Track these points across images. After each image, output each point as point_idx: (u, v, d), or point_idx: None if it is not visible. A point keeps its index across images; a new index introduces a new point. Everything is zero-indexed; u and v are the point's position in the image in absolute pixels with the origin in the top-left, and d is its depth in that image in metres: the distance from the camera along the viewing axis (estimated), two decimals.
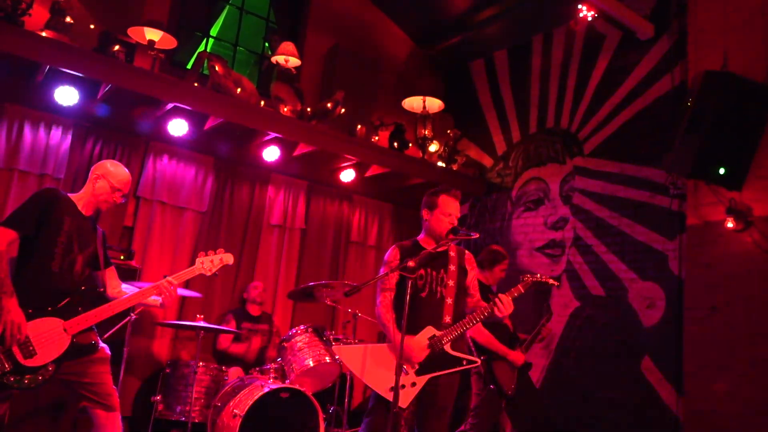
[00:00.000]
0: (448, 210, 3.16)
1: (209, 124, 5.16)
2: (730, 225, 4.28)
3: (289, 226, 6.07)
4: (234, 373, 4.73)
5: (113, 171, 3.03)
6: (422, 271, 3.08)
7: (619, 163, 5.23)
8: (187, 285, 4.50)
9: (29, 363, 2.67)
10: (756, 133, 4.20)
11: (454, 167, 6.36)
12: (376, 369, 2.98)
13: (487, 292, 3.90)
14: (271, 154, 5.50)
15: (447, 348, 2.98)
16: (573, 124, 5.73)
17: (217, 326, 4.51)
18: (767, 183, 4.21)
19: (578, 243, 5.39)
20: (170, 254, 5.37)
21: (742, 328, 4.17)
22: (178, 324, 4.49)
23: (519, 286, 3.11)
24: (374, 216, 6.71)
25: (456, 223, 3.18)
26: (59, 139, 4.86)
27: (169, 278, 3.04)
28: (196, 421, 4.28)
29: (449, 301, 3.07)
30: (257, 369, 4.57)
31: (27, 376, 2.66)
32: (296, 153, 5.66)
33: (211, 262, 3.19)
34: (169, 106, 4.82)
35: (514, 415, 4.23)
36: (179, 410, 4.29)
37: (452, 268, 3.15)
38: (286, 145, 5.55)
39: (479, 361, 2.99)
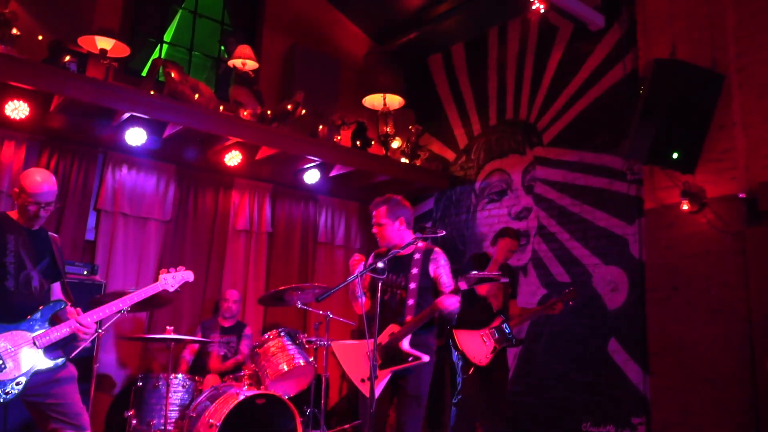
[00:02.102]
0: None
1: (168, 132, 5.09)
2: (685, 207, 4.43)
3: (255, 230, 6.04)
4: (209, 381, 4.69)
5: (23, 181, 2.91)
6: (386, 276, 3.22)
7: (578, 152, 5.35)
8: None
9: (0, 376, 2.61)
10: (706, 117, 4.35)
11: (418, 162, 6.39)
12: (354, 363, 3.22)
13: (483, 265, 4.34)
14: (233, 159, 5.45)
15: (402, 345, 3.15)
16: (531, 115, 5.82)
17: (190, 337, 4.46)
18: (718, 165, 4.36)
19: (542, 231, 5.49)
20: (135, 266, 5.30)
21: (702, 306, 4.32)
22: (147, 337, 4.43)
23: (461, 281, 3.20)
24: (341, 215, 6.72)
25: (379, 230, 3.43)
26: (12, 154, 4.73)
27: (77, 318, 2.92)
28: None
29: (411, 302, 3.24)
30: (231, 376, 4.54)
31: None
32: (258, 156, 5.63)
33: (173, 278, 3.24)
34: (126, 115, 4.74)
35: (490, 394, 4.31)
36: (153, 424, 4.22)
37: (414, 271, 3.31)
38: (247, 149, 5.51)
39: (423, 359, 3.11)
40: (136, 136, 4.88)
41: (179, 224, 5.59)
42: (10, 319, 2.73)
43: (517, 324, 4.49)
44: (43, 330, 2.78)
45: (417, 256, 3.36)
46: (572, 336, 5.09)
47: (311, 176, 5.91)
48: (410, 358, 3.13)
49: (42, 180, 2.89)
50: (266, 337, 4.48)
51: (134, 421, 4.21)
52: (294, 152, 5.55)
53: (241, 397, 4.00)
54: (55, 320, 2.86)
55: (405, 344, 3.15)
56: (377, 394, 3.11)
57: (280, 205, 6.26)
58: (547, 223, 5.47)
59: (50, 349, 2.79)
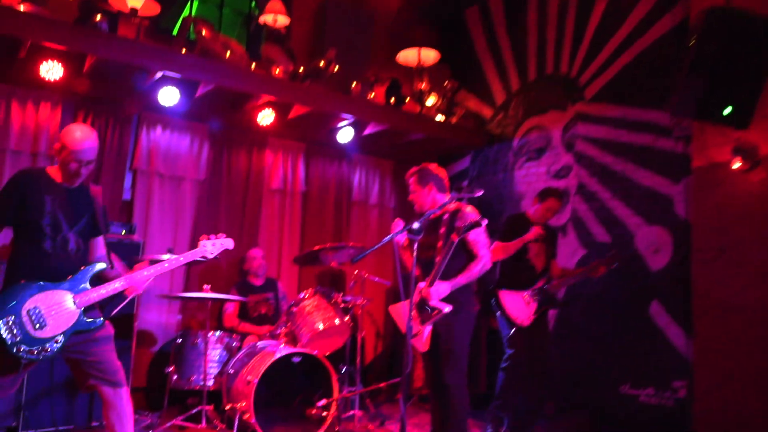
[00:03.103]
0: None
1: (200, 91, 5.07)
2: (737, 165, 4.23)
3: (290, 189, 6.07)
4: (247, 340, 4.79)
5: (65, 137, 2.87)
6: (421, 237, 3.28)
7: (622, 107, 5.15)
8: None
9: (39, 334, 2.68)
10: (762, 69, 4.10)
11: (453, 120, 6.28)
12: (404, 321, 3.35)
13: (521, 226, 4.39)
14: (266, 118, 5.42)
15: (430, 300, 3.30)
16: (573, 69, 5.62)
17: (226, 296, 4.52)
18: None
19: (583, 190, 5.36)
20: (171, 225, 5.38)
21: (750, 268, 4.18)
22: (185, 296, 4.51)
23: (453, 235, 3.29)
24: (375, 174, 6.70)
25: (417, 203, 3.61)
26: (48, 115, 4.79)
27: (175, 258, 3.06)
28: (211, 389, 4.36)
29: (438, 260, 3.35)
30: (268, 334, 4.62)
31: (36, 347, 2.67)
32: (291, 115, 5.58)
33: (213, 246, 3.25)
34: (158, 75, 4.72)
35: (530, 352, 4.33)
36: (193, 380, 4.35)
37: (442, 230, 3.47)
38: (280, 108, 5.47)
39: (443, 309, 3.24)
40: (169, 96, 4.87)
41: (213, 183, 5.63)
42: (50, 279, 2.78)
43: (559, 286, 4.47)
44: (83, 290, 2.84)
45: (446, 216, 3.51)
46: (611, 298, 5.00)
47: (345, 135, 5.86)
48: (434, 312, 3.25)
49: (83, 136, 2.86)
50: (302, 296, 4.52)
51: (175, 377, 4.34)
52: (327, 110, 5.49)
53: (278, 355, 4.06)
54: (95, 281, 2.90)
55: (433, 299, 3.27)
56: (424, 348, 3.34)
57: (314, 164, 6.26)
58: (588, 181, 5.33)
59: (89, 310, 2.85)
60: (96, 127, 4.96)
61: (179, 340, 4.49)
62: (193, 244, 5.43)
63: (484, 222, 3.25)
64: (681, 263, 4.61)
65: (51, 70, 4.44)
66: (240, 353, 4.38)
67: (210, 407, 4.30)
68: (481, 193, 3.23)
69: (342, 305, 4.63)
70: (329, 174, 6.36)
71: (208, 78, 4.84)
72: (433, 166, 3.68)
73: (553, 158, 5.67)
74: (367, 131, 5.95)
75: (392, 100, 5.99)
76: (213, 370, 4.42)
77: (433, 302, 3.27)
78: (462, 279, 3.38)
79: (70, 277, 2.82)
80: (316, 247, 4.81)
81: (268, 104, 5.38)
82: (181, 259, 3.13)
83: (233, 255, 5.61)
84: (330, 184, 6.35)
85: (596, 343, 5.06)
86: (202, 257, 3.22)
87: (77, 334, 2.80)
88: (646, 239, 4.86)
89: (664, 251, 4.74)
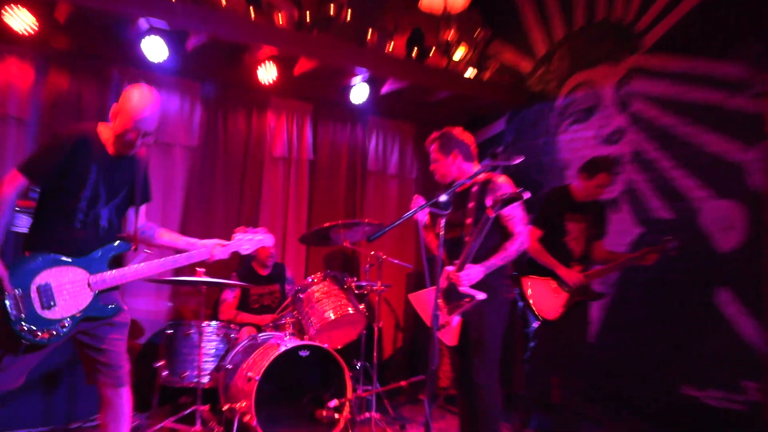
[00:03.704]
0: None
1: (192, 44, 5.04)
2: None
3: (295, 157, 6.07)
4: (246, 331, 4.82)
5: (124, 100, 2.86)
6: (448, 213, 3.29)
7: (687, 59, 5.02)
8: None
9: (47, 314, 2.70)
10: None
11: (486, 75, 6.20)
12: (429, 311, 3.30)
13: (563, 204, 4.36)
14: (268, 74, 5.38)
15: (461, 286, 3.27)
16: (628, 15, 5.49)
17: (225, 281, 4.54)
18: None
19: (638, 158, 5.28)
20: (159, 200, 5.39)
21: None
22: (177, 280, 4.53)
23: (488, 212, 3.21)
24: (394, 139, 6.68)
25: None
26: (18, 72, 4.81)
27: (218, 244, 3.16)
28: (206, 387, 4.39)
29: (467, 239, 3.32)
30: (271, 325, 4.64)
31: (40, 329, 2.68)
32: (297, 71, 5.55)
33: (248, 242, 3.29)
34: (143, 25, 4.70)
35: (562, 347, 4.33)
36: (186, 376, 4.39)
37: (471, 205, 3.43)
38: (284, 62, 5.43)
39: (477, 296, 3.22)
40: (155, 50, 4.85)
41: (208, 151, 5.66)
42: (70, 253, 2.79)
43: (603, 273, 4.42)
44: (100, 272, 2.85)
45: (475, 188, 3.46)
46: (671, 283, 4.94)
47: (359, 93, 5.81)
48: (465, 300, 3.23)
49: (145, 102, 2.85)
50: (310, 280, 4.52)
51: (165, 373, 4.38)
52: (338, 64, 5.45)
53: (282, 349, 4.07)
54: (115, 263, 2.93)
55: (464, 285, 3.26)
56: (452, 342, 3.33)
57: (323, 127, 6.25)
58: (645, 147, 5.24)
59: (104, 293, 2.87)
60: (73, 85, 4.97)
61: (170, 331, 4.52)
62: (185, 223, 5.47)
63: (526, 195, 3.18)
64: (754, 243, 4.53)
65: (18, 19, 4.43)
66: (239, 346, 4.40)
67: (205, 407, 4.34)
68: (519, 160, 3.17)
69: (356, 291, 4.63)
70: (341, 139, 6.34)
71: (200, 27, 4.80)
72: (458, 131, 3.64)
73: (604, 120, 5.57)
74: (384, 89, 5.90)
75: (414, 52, 5.91)
76: (209, 365, 4.46)
77: (464, 288, 3.25)
78: (497, 261, 3.34)
79: (89, 255, 2.84)
80: (326, 224, 4.80)
81: (270, 58, 5.33)
82: (215, 252, 3.15)
83: (231, 233, 5.63)
84: (342, 152, 6.34)
85: (652, 336, 5.02)
86: (254, 252, 3.35)
87: (88, 320, 2.82)
88: (713, 215, 4.77)
89: (735, 229, 4.65)
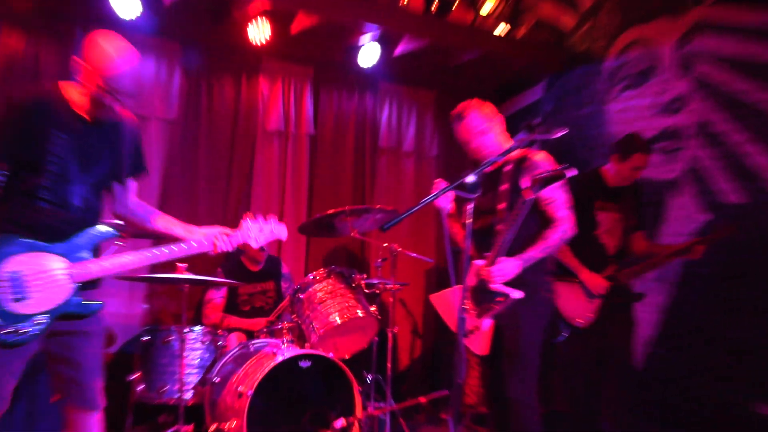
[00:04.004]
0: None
1: None
2: None
3: (293, 132, 6.08)
4: (235, 338, 4.81)
5: (90, 50, 2.80)
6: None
7: (764, 11, 4.95)
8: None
9: (17, 308, 2.65)
10: None
11: (520, 33, 6.19)
12: (454, 315, 3.37)
13: (594, 191, 4.37)
14: (260, 32, 5.38)
15: (492, 283, 3.29)
16: None
17: (212, 278, 4.53)
18: None
19: (705, 130, 5.21)
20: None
21: None
22: (154, 277, 4.51)
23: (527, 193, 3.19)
24: (410, 110, 6.68)
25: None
26: None
27: (223, 233, 3.11)
28: (190, 403, 4.38)
29: (500, 228, 3.33)
30: (265, 330, 4.63)
31: (8, 326, 2.63)
32: (294, 28, 5.55)
33: (260, 233, 3.23)
34: None
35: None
36: (166, 390, 4.37)
37: (504, 187, 3.44)
38: (279, 18, 5.43)
39: (512, 295, 3.23)
40: (126, 5, 4.83)
41: (189, 124, 5.66)
42: (44, 238, 2.73)
43: (640, 271, 4.41)
44: (82, 260, 2.79)
45: (507, 167, 3.48)
46: (741, 279, 4.89)
47: (368, 55, 5.81)
48: (499, 300, 3.24)
49: (120, 55, 2.78)
50: (311, 277, 4.50)
51: (140, 387, 4.37)
52: (343, 20, 5.45)
53: (280, 358, 4.05)
54: (101, 249, 2.87)
55: (497, 282, 3.27)
56: (482, 351, 3.33)
57: (326, 96, 6.26)
58: (713, 118, 5.17)
59: (87, 287, 2.82)
60: (28, 48, 4.96)
61: (146, 338, 4.52)
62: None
63: (571, 172, 3.11)
64: None
65: None
66: (228, 355, 4.39)
67: (189, 428, 4.33)
68: (561, 134, 3.11)
69: (366, 291, 4.61)
70: (347, 110, 6.34)
71: None
72: (484, 102, 3.65)
73: (663, 85, 5.51)
74: (399, 50, 5.87)
75: (434, 5, 5.88)
76: (192, 377, 4.45)
77: (496, 286, 3.24)
78: (535, 253, 3.33)
79: (70, 239, 2.78)
80: (330, 211, 4.79)
81: (263, 13, 5.32)
82: (219, 243, 3.08)
83: (217, 221, 5.61)
84: (348, 125, 6.34)
85: (719, 341, 4.97)
86: (243, 245, 3.20)
87: (66, 318, 2.76)
88: None
89: None
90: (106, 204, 3.02)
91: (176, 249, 2.99)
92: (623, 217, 4.46)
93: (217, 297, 5.17)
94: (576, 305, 4.30)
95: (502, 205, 3.40)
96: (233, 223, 5.50)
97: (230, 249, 3.11)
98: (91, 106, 2.82)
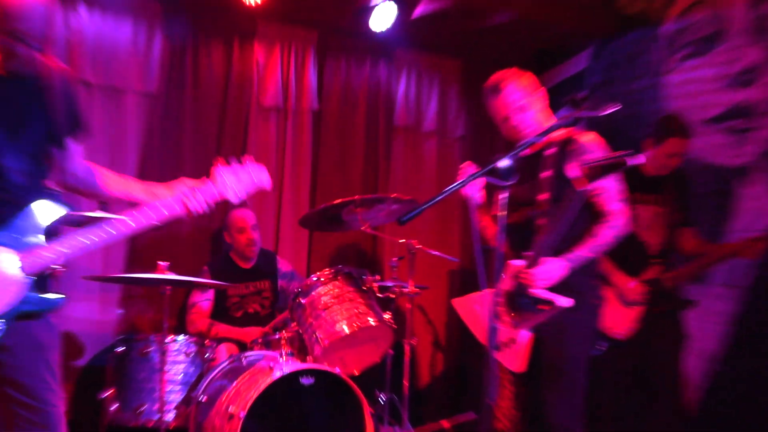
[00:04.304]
0: None
1: None
2: None
3: (293, 107, 6.08)
4: (224, 349, 4.82)
5: None
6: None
7: None
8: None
9: None
10: None
11: None
12: (483, 323, 3.35)
13: (627, 184, 4.19)
14: None
15: (534, 288, 3.26)
16: None
17: (199, 280, 4.53)
18: None
19: None
20: (105, 162, 5.37)
21: None
22: (129, 278, 4.52)
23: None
24: (431, 82, 6.69)
25: None
26: None
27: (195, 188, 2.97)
28: (172, 426, 4.39)
29: (541, 222, 3.35)
30: (260, 340, 4.63)
31: None
32: None
33: (237, 180, 3.08)
34: None
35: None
36: (144, 411, 4.38)
37: (546, 174, 3.43)
38: None
39: (558, 303, 3.19)
40: None
41: (171, 99, 5.68)
42: None
43: (688, 274, 4.43)
44: (32, 247, 2.72)
45: (550, 151, 3.47)
46: None
47: (382, 17, 5.79)
48: (541, 308, 3.22)
49: None
50: (314, 279, 4.50)
51: (114, 407, 4.37)
52: None
53: (277, 374, 4.03)
54: (55, 231, 2.80)
55: (538, 287, 3.25)
56: (517, 367, 3.33)
57: (332, 65, 6.27)
58: None
59: (43, 280, 2.76)
60: None
61: (120, 349, 4.52)
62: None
63: (638, 159, 3.04)
64: None
65: None
66: (217, 370, 4.39)
67: None
68: (612, 110, 3.09)
69: (380, 295, 4.61)
70: (357, 82, 6.34)
71: None
72: (523, 70, 3.62)
73: (732, 54, 5.46)
74: (418, 11, 5.87)
75: None
76: (174, 395, 4.45)
77: (538, 291, 3.21)
78: (584, 252, 3.30)
79: (8, 225, 2.69)
80: (337, 201, 4.77)
81: None
82: (191, 202, 2.93)
83: (203, 220, 5.61)
84: (358, 99, 6.34)
85: None
86: (218, 198, 3.00)
87: (22, 317, 2.70)
88: None
89: None
90: (52, 176, 2.93)
91: (142, 215, 2.87)
92: (665, 211, 4.48)
93: (202, 300, 5.16)
94: (614, 313, 4.31)
95: (543, 196, 3.39)
96: (223, 211, 5.56)
97: (206, 208, 2.98)
98: (2, 57, 2.75)
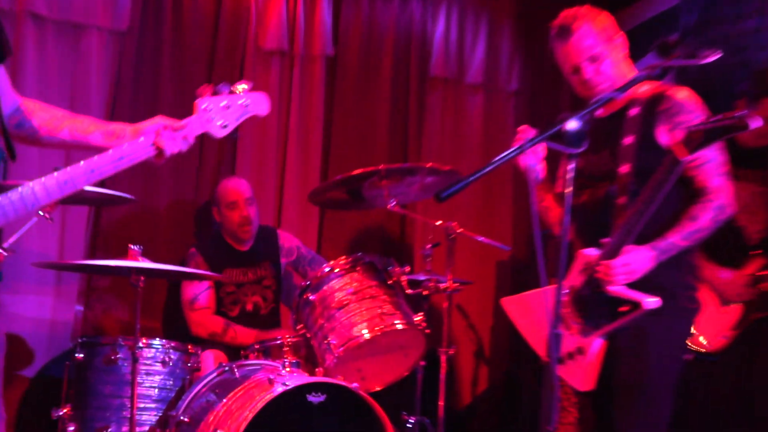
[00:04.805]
0: None
1: None
2: None
3: (300, 52, 6.11)
4: (211, 357, 4.87)
5: None
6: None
7: None
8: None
9: None
10: None
11: None
12: (542, 329, 3.26)
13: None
14: None
15: (612, 285, 3.23)
16: None
17: (191, 270, 4.57)
18: None
19: None
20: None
21: None
22: (92, 265, 4.57)
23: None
24: (478, 22, 6.69)
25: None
26: None
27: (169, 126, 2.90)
28: None
29: (622, 201, 3.33)
30: (257, 346, 4.68)
31: None
32: None
33: (225, 109, 2.98)
34: None
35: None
36: None
37: (628, 140, 3.38)
38: None
39: (645, 305, 3.13)
40: None
41: (146, 39, 5.71)
42: None
43: None
44: None
45: (633, 110, 3.43)
46: None
47: None
48: (621, 309, 3.20)
49: None
50: (327, 270, 4.53)
51: (71, 428, 4.43)
52: None
53: (279, 389, 4.06)
54: None
55: (619, 283, 3.22)
56: (585, 385, 3.33)
57: (352, 1, 6.25)
58: None
59: None
60: None
61: (80, 355, 4.55)
62: None
63: (755, 122, 2.97)
64: None
65: None
66: (202, 383, 4.43)
67: None
68: (713, 58, 3.10)
69: (409, 291, 4.62)
70: (383, 22, 6.35)
71: None
72: (604, 13, 3.59)
73: None
74: None
75: None
76: (148, 415, 4.50)
77: (618, 289, 3.21)
78: (677, 239, 3.28)
79: None
80: (356, 172, 4.80)
81: None
82: (165, 141, 2.84)
83: (189, 183, 5.67)
84: (384, 43, 6.35)
85: None
86: (204, 130, 2.95)
87: None
88: None
89: None
90: None
91: (101, 162, 2.74)
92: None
93: (201, 291, 5.21)
94: (705, 319, 4.25)
95: (625, 168, 3.36)
96: (212, 182, 5.60)
97: (184, 147, 2.92)
98: None
